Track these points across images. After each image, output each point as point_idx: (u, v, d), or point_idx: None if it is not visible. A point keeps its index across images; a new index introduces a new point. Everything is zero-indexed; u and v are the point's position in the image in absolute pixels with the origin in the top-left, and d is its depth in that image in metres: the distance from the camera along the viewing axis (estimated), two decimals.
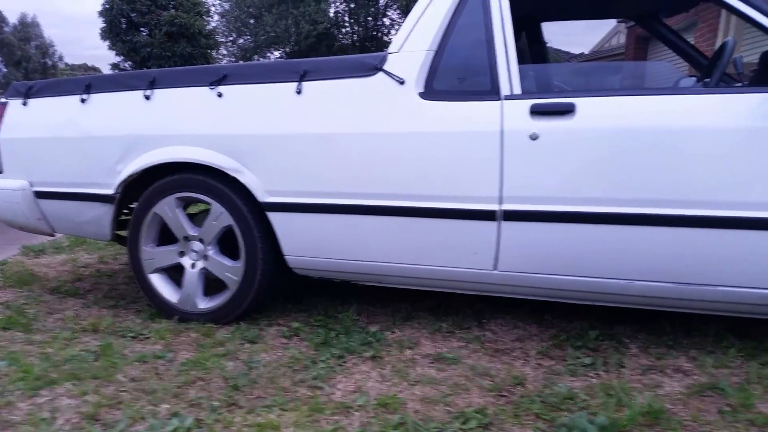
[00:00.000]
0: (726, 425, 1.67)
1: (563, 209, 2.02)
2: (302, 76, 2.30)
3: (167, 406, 1.82)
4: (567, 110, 2.01)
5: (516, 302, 2.72)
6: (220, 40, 21.63)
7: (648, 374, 2.01)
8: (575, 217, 2.02)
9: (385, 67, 2.21)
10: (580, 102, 2.01)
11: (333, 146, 2.25)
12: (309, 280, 2.57)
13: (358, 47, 20.92)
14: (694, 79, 2.49)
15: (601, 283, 2.09)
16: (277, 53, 20.69)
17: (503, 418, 1.74)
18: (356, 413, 1.78)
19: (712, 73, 2.04)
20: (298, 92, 2.29)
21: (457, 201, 2.14)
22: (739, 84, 2.36)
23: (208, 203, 2.48)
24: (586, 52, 17.32)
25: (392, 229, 2.24)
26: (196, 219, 2.64)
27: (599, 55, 15.76)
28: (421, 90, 2.18)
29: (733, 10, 2.01)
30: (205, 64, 18.18)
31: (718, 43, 2.20)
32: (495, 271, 2.19)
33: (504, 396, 1.89)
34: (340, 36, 21.42)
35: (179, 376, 2.03)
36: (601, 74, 2.44)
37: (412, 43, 2.23)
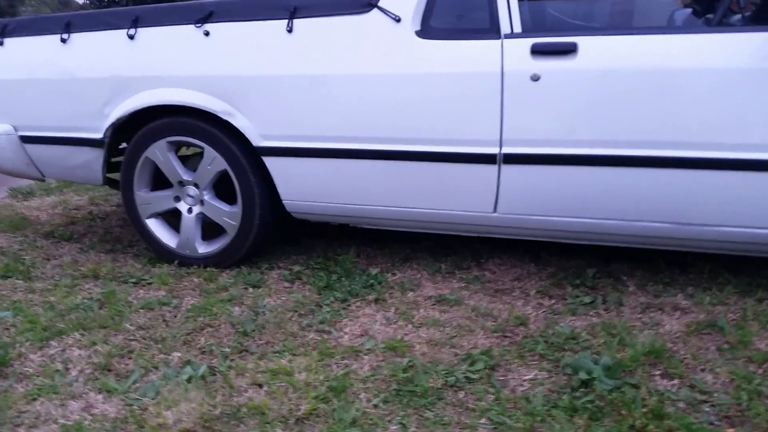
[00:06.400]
0: (725, 362, 1.74)
1: (564, 152, 2.00)
2: (293, 14, 2.20)
3: (178, 354, 1.85)
4: (569, 50, 1.96)
5: (512, 241, 2.74)
6: None
7: (647, 312, 2.06)
8: (576, 160, 2.00)
9: (380, 3, 2.12)
10: (582, 41, 1.96)
11: (327, 88, 2.18)
12: (307, 222, 2.56)
13: None
14: (688, 10, 2.42)
15: (600, 224, 2.10)
16: None
17: (509, 359, 1.79)
18: (365, 357, 1.82)
19: (715, 8, 1.99)
20: (289, 30, 2.20)
21: (457, 144, 2.11)
22: (738, 16, 2.30)
23: (201, 147, 2.42)
24: None
25: (391, 173, 2.22)
26: (190, 162, 2.59)
27: None
28: (418, 28, 2.10)
29: None
30: None
31: None
32: (495, 214, 2.19)
33: (508, 337, 1.94)
34: None
35: (187, 323, 2.04)
36: (604, 9, 2.36)
37: None
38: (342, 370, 1.74)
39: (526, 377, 1.70)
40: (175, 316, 2.10)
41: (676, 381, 1.66)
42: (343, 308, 2.15)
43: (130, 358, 1.83)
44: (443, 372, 1.72)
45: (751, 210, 1.92)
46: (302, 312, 2.12)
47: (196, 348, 1.88)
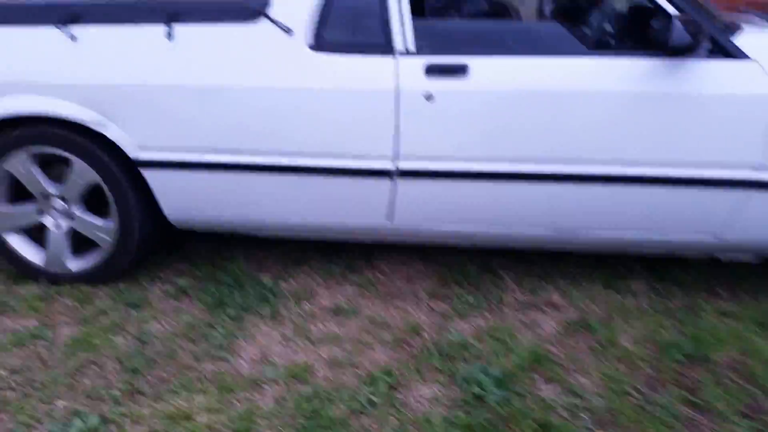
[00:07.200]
0: (597, 362, 1.93)
1: (457, 167, 2.07)
2: (172, 19, 2.04)
3: (63, 402, 1.73)
4: (460, 70, 2.00)
5: None
6: None
7: (526, 312, 2.22)
8: (468, 175, 2.08)
9: (270, 12, 2.02)
10: (473, 62, 2.00)
11: (213, 100, 2.07)
12: None
13: None
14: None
15: (487, 231, 2.21)
16: None
17: (407, 375, 1.87)
18: (268, 387, 1.81)
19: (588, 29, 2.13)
20: (169, 37, 2.04)
21: (352, 159, 2.10)
22: (612, 40, 2.44)
23: (69, 158, 2.21)
24: None
25: (283, 187, 2.17)
26: (54, 171, 2.35)
27: None
28: (311, 41, 2.04)
29: None
30: None
31: None
32: (390, 224, 2.23)
33: (404, 348, 2.01)
34: None
35: (68, 361, 1.90)
36: (498, 30, 2.40)
37: None
38: (245, 407, 1.72)
39: (425, 394, 1.79)
40: (53, 353, 1.95)
41: (556, 386, 1.83)
42: (238, 328, 2.11)
43: (6, 412, 1.68)
44: (347, 398, 1.76)
45: (620, 216, 2.11)
46: (194, 337, 2.05)
47: (82, 393, 1.77)
